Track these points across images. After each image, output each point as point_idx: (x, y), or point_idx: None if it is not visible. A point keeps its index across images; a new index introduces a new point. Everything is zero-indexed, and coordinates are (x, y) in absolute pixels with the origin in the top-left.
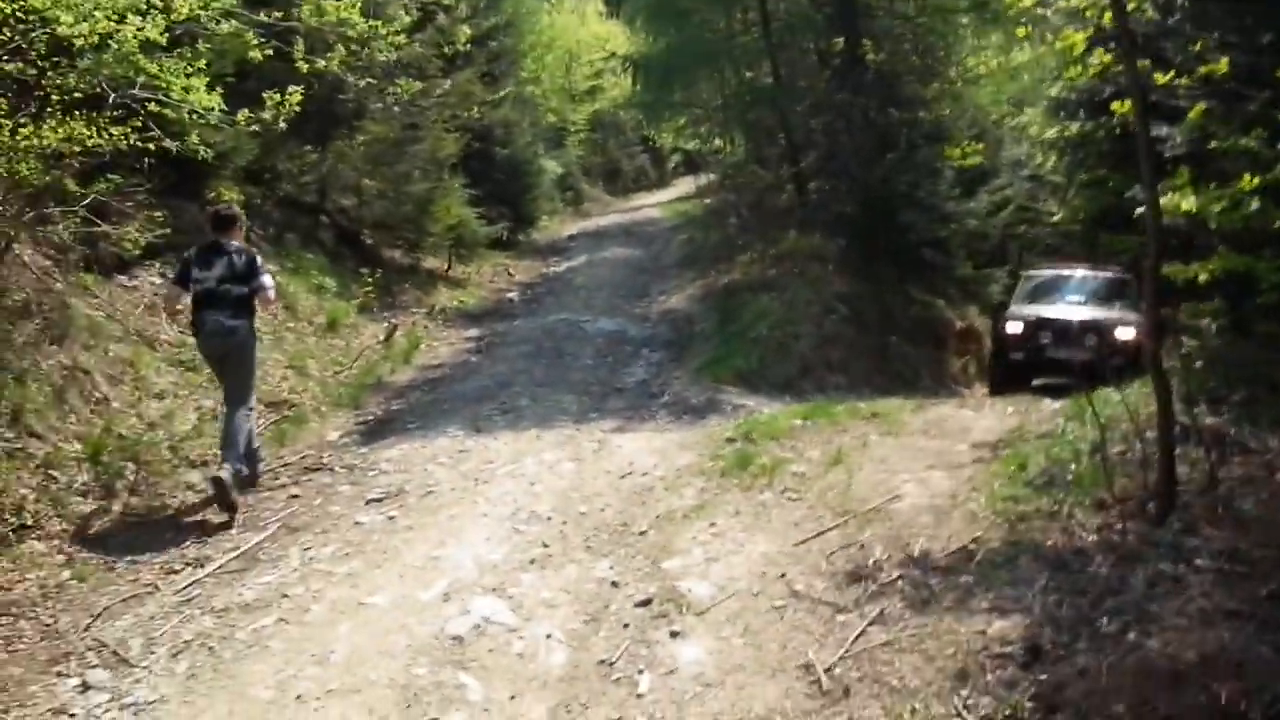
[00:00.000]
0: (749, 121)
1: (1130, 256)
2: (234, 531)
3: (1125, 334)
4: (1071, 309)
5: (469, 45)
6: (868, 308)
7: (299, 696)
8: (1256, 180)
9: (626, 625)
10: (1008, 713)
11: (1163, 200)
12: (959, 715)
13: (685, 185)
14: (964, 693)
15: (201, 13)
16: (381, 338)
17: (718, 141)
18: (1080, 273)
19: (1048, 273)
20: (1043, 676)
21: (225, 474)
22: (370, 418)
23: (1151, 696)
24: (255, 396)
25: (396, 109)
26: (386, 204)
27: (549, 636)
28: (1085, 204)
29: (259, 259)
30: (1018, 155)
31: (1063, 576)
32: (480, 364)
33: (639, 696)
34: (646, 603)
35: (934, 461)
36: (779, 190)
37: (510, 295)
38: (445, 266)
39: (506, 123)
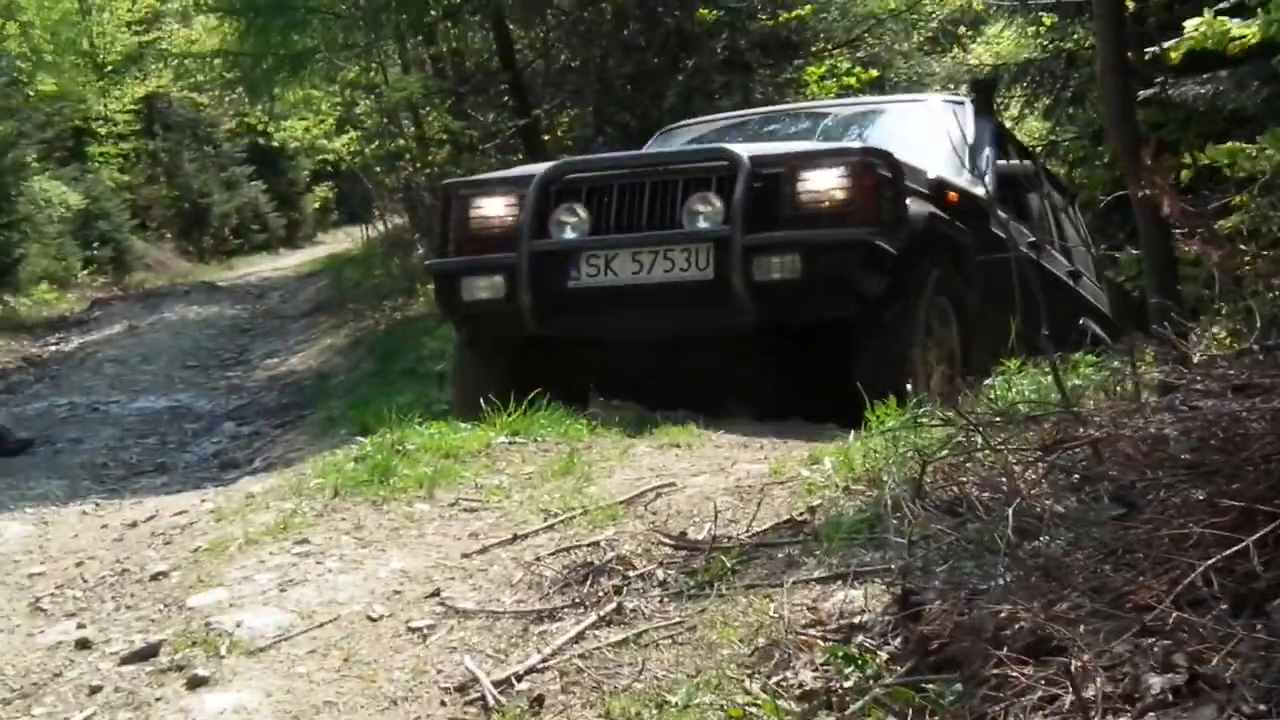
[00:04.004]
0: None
1: None
2: None
3: (821, 181)
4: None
5: None
6: None
7: None
8: None
9: (95, 691)
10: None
11: None
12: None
13: (339, 244)
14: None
15: None
16: None
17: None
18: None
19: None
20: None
21: None
22: None
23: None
24: None
25: None
26: None
27: None
28: None
29: None
30: None
31: (951, 521)
32: None
33: None
34: (146, 655)
35: (750, 459)
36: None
37: None
38: None
39: None
